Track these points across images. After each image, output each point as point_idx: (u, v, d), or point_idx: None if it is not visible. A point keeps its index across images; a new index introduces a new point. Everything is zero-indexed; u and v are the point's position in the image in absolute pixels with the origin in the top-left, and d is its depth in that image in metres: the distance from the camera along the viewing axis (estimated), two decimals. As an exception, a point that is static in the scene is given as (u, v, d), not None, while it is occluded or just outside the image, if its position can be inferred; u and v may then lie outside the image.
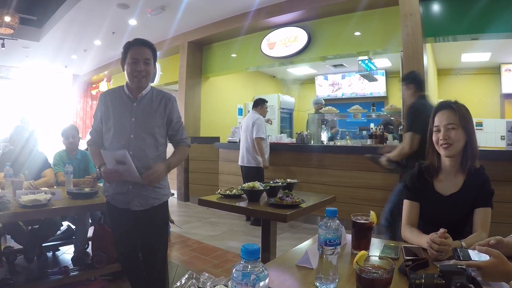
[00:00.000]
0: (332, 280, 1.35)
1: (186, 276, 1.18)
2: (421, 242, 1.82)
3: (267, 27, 7.51)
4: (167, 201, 2.75)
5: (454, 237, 1.74)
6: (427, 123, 3.08)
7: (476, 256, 1.47)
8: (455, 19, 5.38)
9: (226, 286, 1.15)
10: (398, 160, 3.90)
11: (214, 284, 1.16)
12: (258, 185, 3.16)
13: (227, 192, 3.21)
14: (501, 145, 5.06)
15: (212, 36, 8.33)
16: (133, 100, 2.55)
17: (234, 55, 8.42)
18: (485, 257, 1.41)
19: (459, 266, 1.28)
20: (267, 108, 6.21)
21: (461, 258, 1.46)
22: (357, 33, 6.45)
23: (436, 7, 5.51)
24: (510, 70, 8.67)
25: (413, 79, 4.12)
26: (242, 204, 2.98)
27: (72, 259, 4.03)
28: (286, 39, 7.26)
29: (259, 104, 6.11)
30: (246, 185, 3.20)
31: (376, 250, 1.80)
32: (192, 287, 1.14)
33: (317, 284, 1.36)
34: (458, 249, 1.56)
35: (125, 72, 2.53)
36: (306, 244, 1.96)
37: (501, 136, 4.95)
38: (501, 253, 1.40)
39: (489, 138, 5.16)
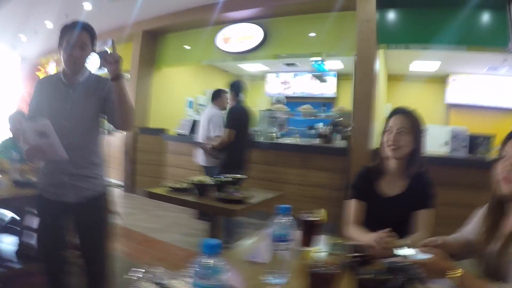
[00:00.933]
0: (283, 276, 1.37)
1: (142, 271, 1.17)
2: (367, 240, 1.87)
3: (224, 21, 7.41)
4: (106, 192, 2.62)
5: (398, 236, 1.82)
6: (241, 123, 4.91)
7: (419, 254, 1.54)
8: (408, 28, 5.62)
9: (182, 280, 1.14)
10: (218, 148, 4.95)
11: (171, 278, 1.15)
12: (207, 179, 3.14)
13: (176, 185, 3.17)
14: (444, 150, 5.33)
15: (168, 26, 8.20)
16: (68, 87, 2.41)
17: (188, 47, 8.29)
18: (427, 256, 1.49)
19: (404, 263, 1.35)
20: (227, 99, 5.79)
21: (405, 256, 1.53)
22: (312, 34, 6.54)
23: (391, 16, 5.69)
24: (455, 80, 9.04)
25: (236, 87, 5.16)
26: (191, 198, 2.96)
27: (16, 252, 3.86)
28: (241, 35, 7.25)
29: (218, 96, 5.76)
30: (195, 179, 3.17)
31: (324, 246, 1.84)
32: (148, 281, 1.13)
33: (269, 279, 1.38)
34: (399, 248, 1.63)
35: (61, 57, 2.38)
36: (254, 239, 1.97)
37: (445, 142, 5.24)
38: (442, 251, 1.50)
39: (433, 143, 5.36)
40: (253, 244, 1.80)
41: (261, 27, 7.01)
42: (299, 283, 1.38)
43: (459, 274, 1.41)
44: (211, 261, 0.92)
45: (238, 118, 4.96)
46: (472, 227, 1.87)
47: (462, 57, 6.90)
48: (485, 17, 5.35)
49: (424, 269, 1.43)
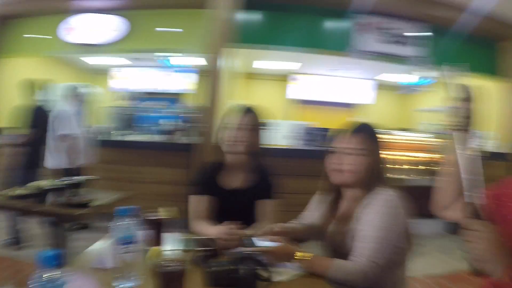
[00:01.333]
0: (130, 279, 1.35)
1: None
2: (214, 233, 1.93)
3: (77, 10, 6.82)
4: None
5: (244, 226, 1.93)
6: (40, 122, 4.95)
7: (261, 242, 1.64)
8: (256, 30, 6.18)
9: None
10: (22, 145, 4.97)
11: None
12: (44, 183, 2.94)
13: (15, 192, 2.91)
14: (284, 143, 5.75)
15: (17, 12, 7.27)
16: None
17: (35, 36, 7.43)
18: (269, 243, 1.63)
19: (246, 253, 1.43)
20: (82, 97, 5.53)
21: (248, 246, 1.61)
22: (167, 30, 6.55)
23: (243, 17, 6.01)
24: (300, 79, 9.80)
25: (33, 87, 5.44)
26: (31, 205, 2.74)
27: None
28: (96, 26, 6.81)
29: (71, 93, 5.36)
30: (31, 184, 2.94)
31: (169, 244, 1.84)
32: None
33: (116, 284, 1.35)
34: (245, 238, 1.71)
35: None
36: (99, 244, 1.90)
37: (288, 135, 5.71)
38: (281, 238, 1.66)
39: (275, 136, 5.77)
40: (99, 249, 1.73)
41: (116, 19, 6.67)
42: (150, 284, 1.37)
43: (305, 256, 1.54)
44: (51, 274, 0.86)
45: (40, 118, 5.03)
46: (311, 211, 2.04)
47: (307, 58, 7.47)
48: (331, 24, 6.25)
49: (270, 255, 1.54)
